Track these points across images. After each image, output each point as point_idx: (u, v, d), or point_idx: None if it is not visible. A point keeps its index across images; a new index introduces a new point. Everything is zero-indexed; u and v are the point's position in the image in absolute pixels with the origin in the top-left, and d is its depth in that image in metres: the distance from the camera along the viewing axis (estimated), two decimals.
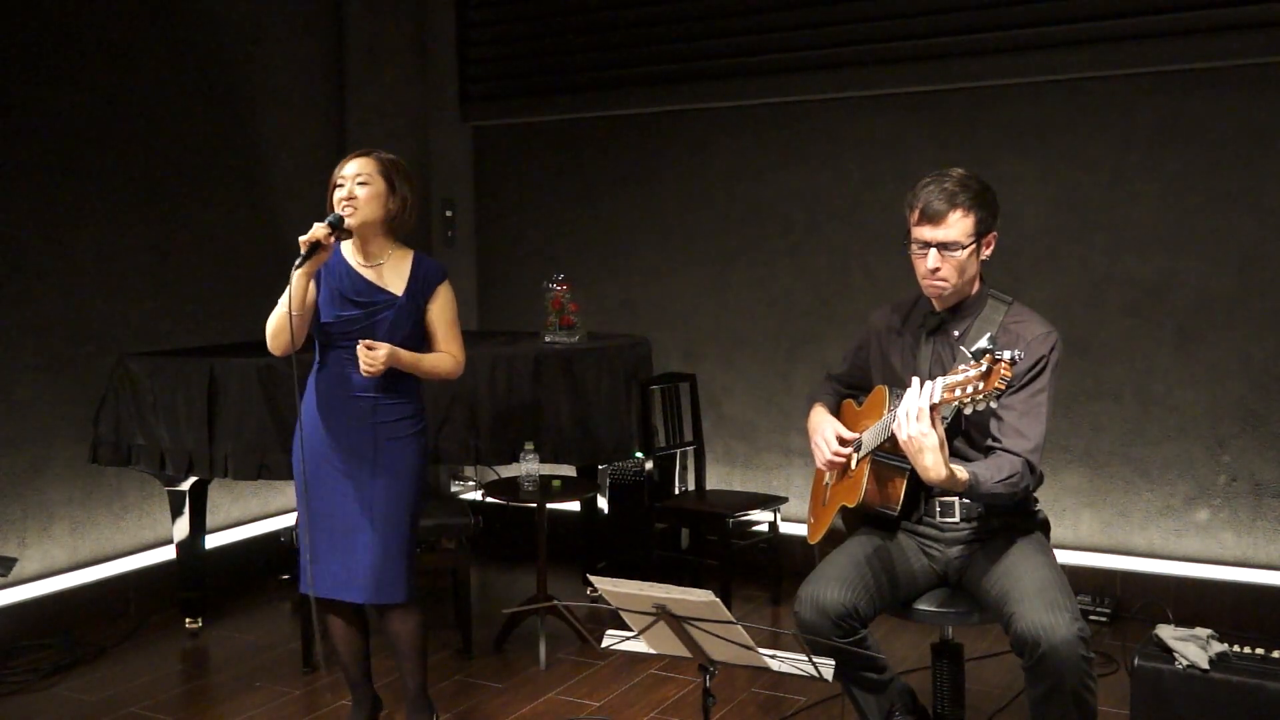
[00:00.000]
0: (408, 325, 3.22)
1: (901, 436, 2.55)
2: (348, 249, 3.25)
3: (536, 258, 5.82)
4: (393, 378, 3.19)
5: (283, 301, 3.12)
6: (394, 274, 3.23)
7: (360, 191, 3.13)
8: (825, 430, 3.00)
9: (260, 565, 5.27)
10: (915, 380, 2.57)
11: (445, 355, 3.30)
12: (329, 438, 3.23)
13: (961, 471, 2.61)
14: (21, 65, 4.48)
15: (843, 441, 2.95)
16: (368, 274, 3.22)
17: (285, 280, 3.09)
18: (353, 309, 3.19)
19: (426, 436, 3.35)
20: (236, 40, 5.31)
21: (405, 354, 3.18)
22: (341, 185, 3.15)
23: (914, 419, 2.52)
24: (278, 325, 3.16)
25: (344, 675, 3.48)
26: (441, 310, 3.29)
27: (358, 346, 3.12)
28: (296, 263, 3.04)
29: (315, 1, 5.70)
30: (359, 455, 3.21)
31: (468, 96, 6.02)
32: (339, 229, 3.10)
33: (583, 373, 4.59)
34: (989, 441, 2.77)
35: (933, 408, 2.51)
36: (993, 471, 2.68)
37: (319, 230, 3.05)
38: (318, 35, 5.71)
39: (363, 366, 3.11)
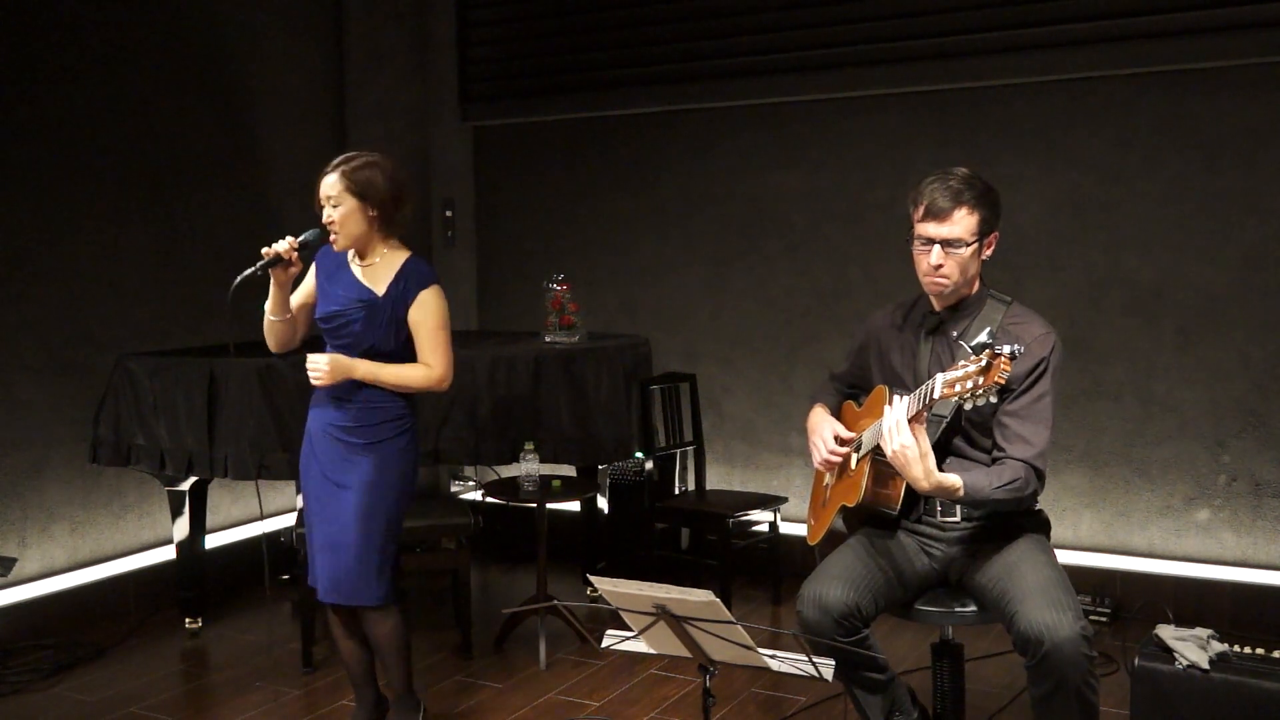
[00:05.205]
0: (382, 327, 3.18)
1: (888, 451, 2.57)
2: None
3: (536, 258, 5.82)
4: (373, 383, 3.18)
5: (266, 307, 3.19)
6: (382, 274, 3.21)
7: (336, 214, 3.13)
8: (823, 430, 3.02)
9: (260, 565, 5.26)
10: (895, 397, 2.59)
11: (418, 366, 3.21)
12: (317, 437, 3.26)
13: (953, 480, 2.61)
14: (21, 65, 4.48)
15: (840, 441, 2.97)
16: (358, 272, 3.23)
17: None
18: (335, 305, 3.21)
19: (411, 440, 3.30)
20: (236, 40, 5.31)
21: (361, 365, 3.15)
22: (323, 206, 3.16)
23: (895, 433, 2.55)
24: (265, 327, 3.25)
25: (347, 674, 3.48)
26: (423, 317, 3.20)
27: (307, 359, 3.15)
28: (244, 273, 3.07)
29: (315, 1, 5.70)
30: (340, 457, 3.21)
31: (468, 96, 6.02)
32: (311, 248, 3.13)
33: (583, 373, 4.59)
34: (995, 451, 2.77)
35: (913, 419, 2.55)
36: (992, 478, 2.68)
37: (281, 245, 3.07)
38: (318, 35, 5.71)
39: (311, 377, 3.13)
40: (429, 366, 3.21)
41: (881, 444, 2.60)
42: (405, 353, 3.25)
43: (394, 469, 3.24)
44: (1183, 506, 4.61)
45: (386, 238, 3.24)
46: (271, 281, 3.14)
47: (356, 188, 3.12)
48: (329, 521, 3.22)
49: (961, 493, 2.63)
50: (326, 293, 3.23)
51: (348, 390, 3.19)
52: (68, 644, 4.35)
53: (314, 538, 3.29)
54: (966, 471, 2.70)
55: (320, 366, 3.12)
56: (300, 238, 3.12)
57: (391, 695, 3.41)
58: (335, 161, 3.18)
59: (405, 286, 3.19)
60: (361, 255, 3.24)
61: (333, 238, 3.15)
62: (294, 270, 3.12)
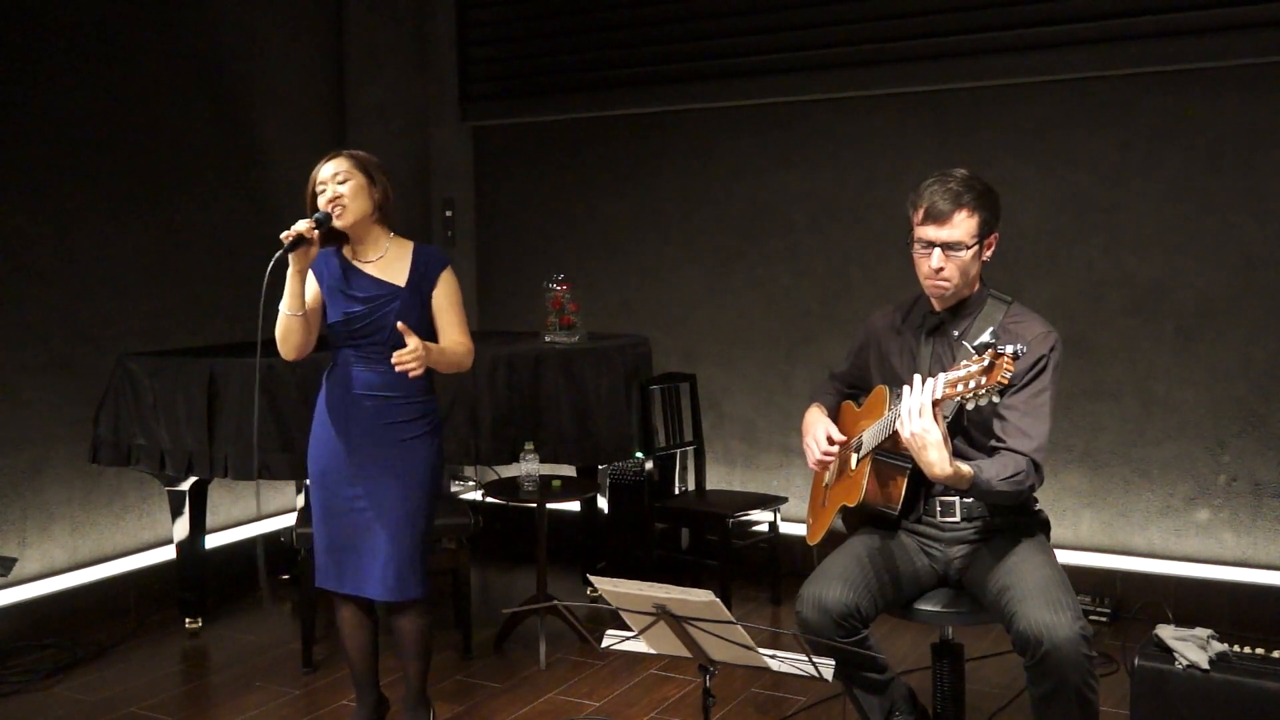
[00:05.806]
0: (414, 316, 3.20)
1: (905, 434, 2.55)
2: (346, 249, 3.25)
3: (536, 258, 5.82)
4: (402, 376, 3.13)
5: (282, 306, 3.14)
6: (395, 266, 3.23)
7: (344, 189, 3.14)
8: (816, 430, 3.03)
9: (263, 565, 5.27)
10: (916, 378, 2.58)
11: (458, 344, 3.27)
12: (340, 437, 3.24)
13: (966, 467, 2.61)
14: (21, 65, 4.48)
15: (833, 441, 2.97)
16: (368, 269, 3.23)
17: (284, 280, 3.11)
18: (357, 305, 3.19)
19: (440, 434, 3.33)
20: (236, 40, 5.31)
21: (431, 345, 3.15)
22: (323, 189, 3.15)
23: (916, 415, 2.53)
24: (283, 328, 3.17)
25: (350, 674, 3.48)
26: (446, 297, 3.27)
27: (391, 359, 3.08)
28: (276, 255, 3.05)
29: (315, 1, 5.70)
30: (370, 455, 3.21)
31: (468, 96, 6.02)
32: (324, 225, 3.11)
33: (583, 373, 4.59)
34: (993, 442, 2.77)
35: (935, 404, 2.52)
36: (998, 469, 2.68)
37: (301, 225, 3.06)
38: (318, 35, 5.71)
39: (410, 371, 3.06)
40: (461, 342, 3.28)
41: (898, 426, 2.58)
42: (429, 337, 3.26)
43: (426, 464, 3.26)
44: (1183, 506, 4.61)
45: (384, 227, 3.25)
46: (290, 270, 3.10)
47: (361, 165, 3.18)
48: (363, 518, 3.20)
49: (971, 481, 2.62)
50: (339, 296, 3.21)
51: (376, 386, 3.20)
52: (68, 644, 4.35)
53: (341, 534, 3.24)
54: (972, 463, 2.70)
55: (417, 352, 3.05)
56: (313, 217, 3.12)
57: (405, 693, 3.40)
58: (330, 153, 3.22)
59: (426, 271, 3.25)
60: (362, 251, 3.24)
61: (338, 213, 3.13)
62: (314, 252, 3.11)
